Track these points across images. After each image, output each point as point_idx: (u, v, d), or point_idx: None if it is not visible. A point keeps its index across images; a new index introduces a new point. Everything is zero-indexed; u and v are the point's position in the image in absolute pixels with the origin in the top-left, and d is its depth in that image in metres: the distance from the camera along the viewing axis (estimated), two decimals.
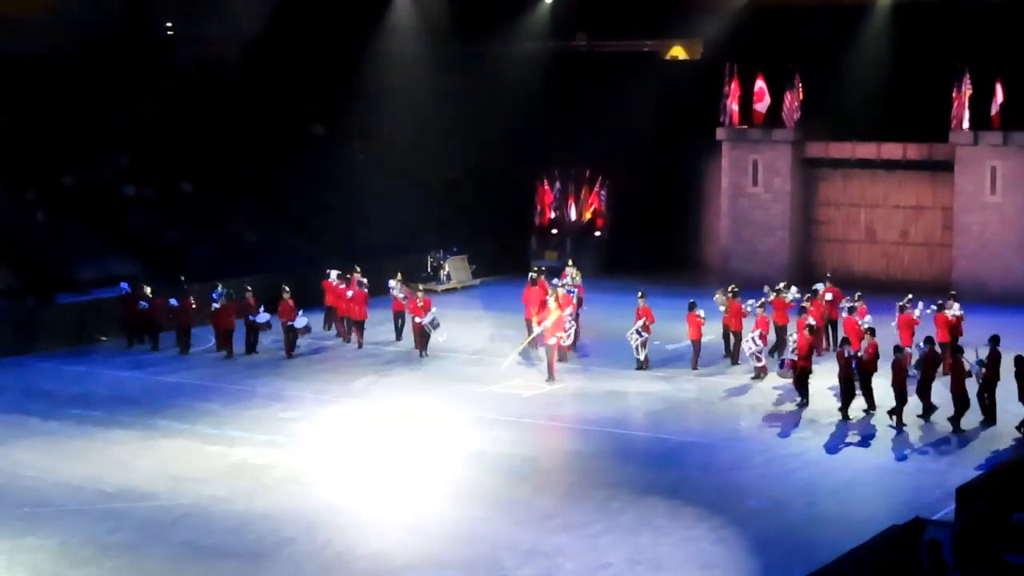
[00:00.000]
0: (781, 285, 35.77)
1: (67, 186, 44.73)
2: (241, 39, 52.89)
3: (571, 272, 38.07)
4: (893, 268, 48.00)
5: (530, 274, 37.58)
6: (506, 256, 50.43)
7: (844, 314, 33.39)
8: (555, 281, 36.71)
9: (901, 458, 26.24)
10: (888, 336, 31.07)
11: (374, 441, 27.63)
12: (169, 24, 54.39)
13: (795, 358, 30.19)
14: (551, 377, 32.20)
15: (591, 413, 29.72)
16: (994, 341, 28.36)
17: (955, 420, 27.84)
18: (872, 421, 28.76)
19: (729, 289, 34.67)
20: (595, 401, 30.76)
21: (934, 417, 28.48)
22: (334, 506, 23.38)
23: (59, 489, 24.27)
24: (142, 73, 50.98)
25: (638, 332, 33.26)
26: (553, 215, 52.06)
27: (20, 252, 40.14)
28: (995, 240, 44.85)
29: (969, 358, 28.04)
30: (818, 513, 22.93)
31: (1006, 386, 28.16)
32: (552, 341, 32.36)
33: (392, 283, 37.25)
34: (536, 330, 34.01)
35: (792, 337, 31.19)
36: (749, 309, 33.96)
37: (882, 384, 28.91)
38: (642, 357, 33.45)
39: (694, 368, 33.45)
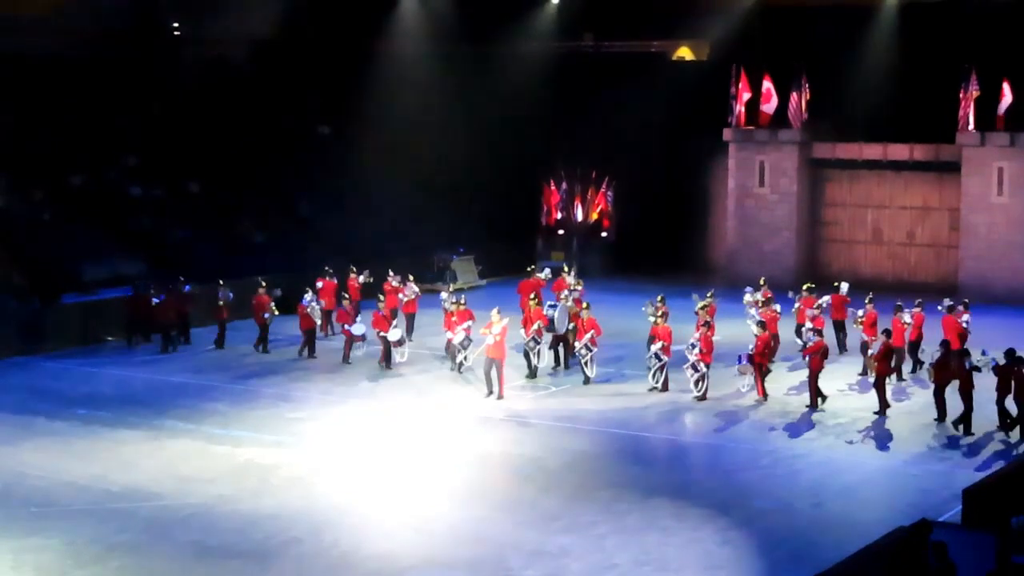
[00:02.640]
0: (805, 288, 35.72)
1: (74, 186, 44.80)
2: (248, 39, 52.99)
3: (570, 280, 37.86)
4: (900, 269, 48.00)
5: (531, 268, 38.81)
6: (512, 257, 50.42)
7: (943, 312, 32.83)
8: (564, 296, 35.95)
9: (907, 460, 26.20)
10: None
11: (380, 441, 27.64)
12: (176, 24, 54.41)
13: (751, 354, 30.55)
14: (499, 395, 30.69)
15: (596, 414, 29.70)
16: (1011, 354, 27.70)
17: (961, 422, 27.79)
18: (878, 422, 28.75)
19: (659, 299, 33.37)
20: (600, 401, 30.72)
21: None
22: (340, 506, 23.39)
23: (65, 489, 24.28)
24: (149, 73, 51.06)
25: (656, 356, 31.47)
26: (559, 216, 52.01)
27: (27, 252, 40.18)
28: (1002, 241, 44.83)
29: (975, 360, 28.01)
30: (824, 514, 22.92)
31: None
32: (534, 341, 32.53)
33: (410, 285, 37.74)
34: (472, 346, 32.73)
35: (809, 332, 31.02)
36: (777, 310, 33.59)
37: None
38: (659, 384, 31.55)
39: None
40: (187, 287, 37.86)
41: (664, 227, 51.72)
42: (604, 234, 52.03)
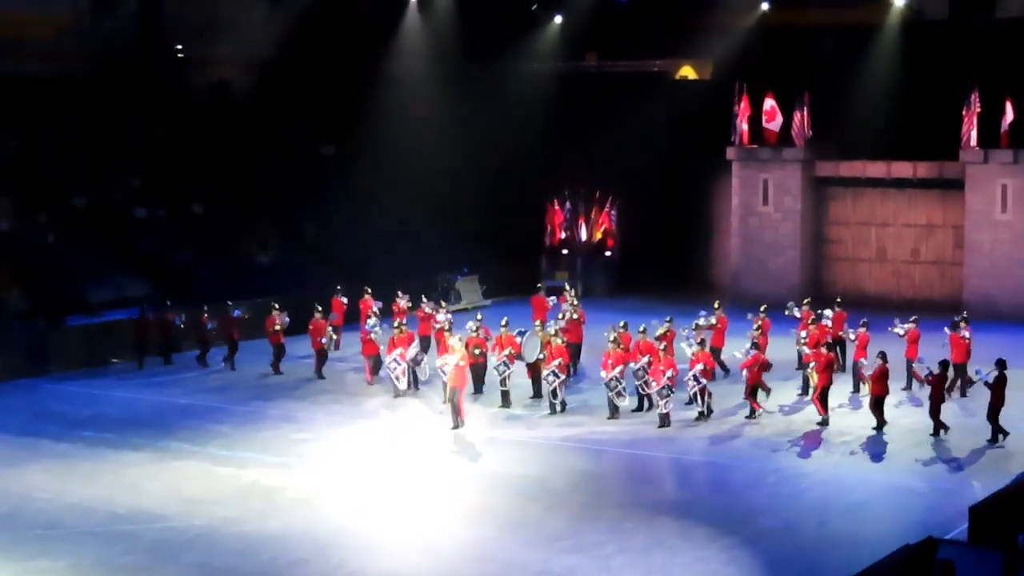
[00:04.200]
0: (806, 302, 35.97)
1: (79, 208, 44.86)
2: (252, 60, 53.07)
3: (569, 297, 37.78)
4: (904, 287, 47.98)
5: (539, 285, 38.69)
6: (517, 276, 50.46)
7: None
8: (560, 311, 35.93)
9: (913, 477, 26.17)
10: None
11: (386, 462, 27.63)
12: (180, 46, 54.54)
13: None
14: (458, 423, 29.78)
15: (602, 433, 29.66)
16: (1001, 365, 28.27)
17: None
18: (883, 440, 28.72)
19: (621, 324, 32.76)
20: (605, 421, 30.66)
21: (943, 437, 28.57)
22: (346, 527, 23.38)
23: (71, 511, 24.27)
24: (153, 95, 51.16)
25: (696, 379, 30.38)
26: (563, 235, 52.06)
27: (32, 274, 40.23)
28: (1006, 258, 44.81)
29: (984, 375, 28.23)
30: (830, 533, 22.89)
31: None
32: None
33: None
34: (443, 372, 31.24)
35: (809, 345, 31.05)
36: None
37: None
38: (705, 409, 30.59)
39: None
40: (236, 312, 37.51)
41: (668, 246, 51.74)
42: (608, 253, 52.07)
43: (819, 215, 49.17)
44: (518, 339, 32.45)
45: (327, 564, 21.44)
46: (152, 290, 41.58)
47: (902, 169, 47.63)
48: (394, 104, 51.89)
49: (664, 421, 29.90)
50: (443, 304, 38.03)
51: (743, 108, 48.10)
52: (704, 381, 30.56)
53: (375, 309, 36.97)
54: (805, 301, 36.22)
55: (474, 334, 32.85)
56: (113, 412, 32.45)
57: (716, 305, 35.54)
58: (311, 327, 35.99)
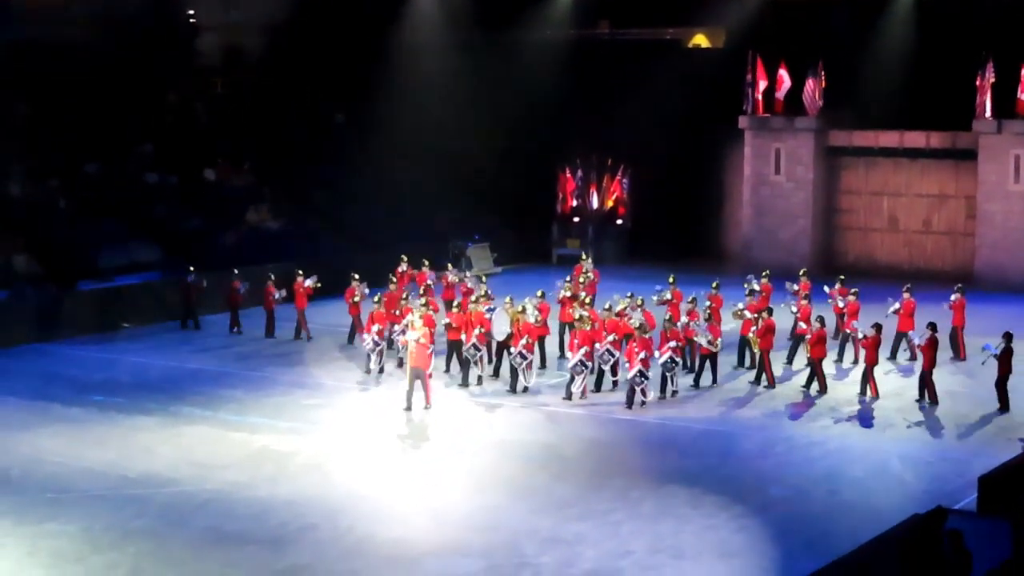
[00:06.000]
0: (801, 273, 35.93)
1: (90, 174, 44.89)
2: (263, 27, 52.94)
3: (586, 266, 37.86)
4: (916, 257, 47.90)
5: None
6: (528, 244, 50.46)
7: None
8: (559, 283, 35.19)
9: (923, 447, 26.18)
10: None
11: (395, 428, 27.69)
12: (191, 12, 54.45)
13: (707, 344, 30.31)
14: (427, 403, 28.62)
15: (611, 401, 29.67)
16: (1007, 338, 28.36)
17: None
18: (892, 410, 28.72)
19: (629, 294, 32.80)
20: (614, 388, 30.63)
21: (952, 407, 28.58)
22: (356, 492, 23.45)
23: (82, 475, 24.37)
24: (165, 61, 51.08)
25: (672, 359, 29.52)
26: (575, 203, 52.03)
27: (43, 240, 40.29)
28: (1018, 229, 44.71)
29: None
30: (840, 502, 22.92)
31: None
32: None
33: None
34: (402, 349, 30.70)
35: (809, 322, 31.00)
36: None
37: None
38: (669, 393, 29.85)
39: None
40: (307, 280, 36.38)
41: (679, 214, 51.61)
42: (619, 221, 52.07)
43: (831, 185, 49.06)
44: (488, 316, 31.41)
45: (337, 529, 21.51)
46: (163, 256, 41.72)
47: (915, 139, 47.51)
48: (406, 72, 51.73)
49: (631, 404, 28.81)
50: (467, 273, 37.87)
51: (756, 77, 47.96)
52: (678, 360, 29.87)
53: (430, 282, 36.49)
54: (802, 272, 36.05)
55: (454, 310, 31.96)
56: (124, 377, 32.54)
57: (714, 285, 34.20)
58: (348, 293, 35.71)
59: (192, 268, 38.38)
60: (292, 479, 24.17)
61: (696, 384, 30.68)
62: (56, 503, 22.77)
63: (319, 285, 36.68)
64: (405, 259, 38.47)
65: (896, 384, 30.44)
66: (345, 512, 22.31)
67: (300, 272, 36.82)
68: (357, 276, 35.99)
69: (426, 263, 38.30)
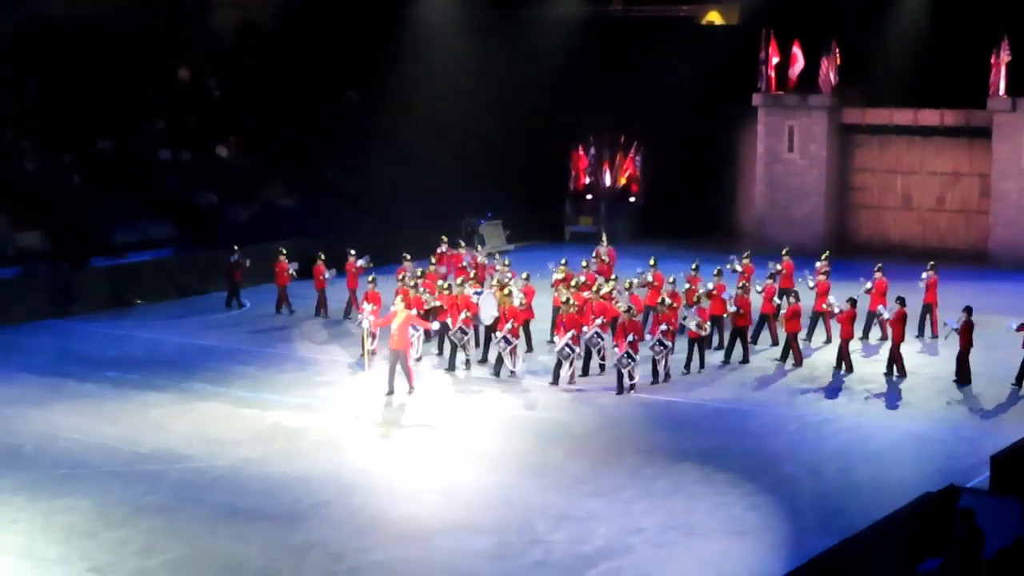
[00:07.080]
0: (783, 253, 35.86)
1: (103, 150, 44.91)
2: (276, 3, 52.84)
3: (602, 249, 37.76)
4: (929, 235, 47.77)
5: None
6: (540, 222, 50.41)
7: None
8: (550, 265, 35.04)
9: (935, 425, 26.16)
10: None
11: (408, 405, 27.71)
12: None
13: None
14: (410, 388, 28.20)
15: (601, 385, 29.35)
16: (968, 311, 28.86)
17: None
18: (905, 388, 28.70)
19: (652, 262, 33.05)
20: (602, 372, 30.20)
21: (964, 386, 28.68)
22: (368, 469, 23.50)
23: (95, 451, 24.44)
24: (177, 37, 51.03)
25: (660, 343, 28.86)
26: (588, 181, 51.99)
27: (56, 216, 40.34)
28: None
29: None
30: (852, 480, 22.92)
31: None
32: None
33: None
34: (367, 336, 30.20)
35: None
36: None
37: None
38: (663, 376, 29.31)
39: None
40: (359, 260, 35.89)
41: (692, 192, 51.50)
42: (632, 199, 51.99)
43: (844, 162, 48.94)
44: (474, 299, 30.80)
45: (349, 506, 21.56)
46: (176, 232, 41.79)
47: (929, 117, 47.35)
48: (420, 49, 51.65)
49: (621, 389, 28.29)
50: (497, 256, 37.77)
51: (770, 54, 47.81)
52: (669, 343, 29.14)
53: (465, 263, 36.14)
54: (824, 255, 35.68)
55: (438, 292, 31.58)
56: (138, 353, 32.60)
57: (693, 267, 34.02)
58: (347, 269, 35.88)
59: (236, 247, 38.01)
60: (305, 455, 24.22)
61: (727, 360, 30.87)
62: (69, 479, 22.84)
63: (371, 265, 36.13)
64: (445, 239, 38.38)
65: (909, 363, 30.32)
66: (357, 489, 22.35)
67: (352, 252, 36.32)
68: (354, 252, 36.17)
69: (444, 239, 38.24)
